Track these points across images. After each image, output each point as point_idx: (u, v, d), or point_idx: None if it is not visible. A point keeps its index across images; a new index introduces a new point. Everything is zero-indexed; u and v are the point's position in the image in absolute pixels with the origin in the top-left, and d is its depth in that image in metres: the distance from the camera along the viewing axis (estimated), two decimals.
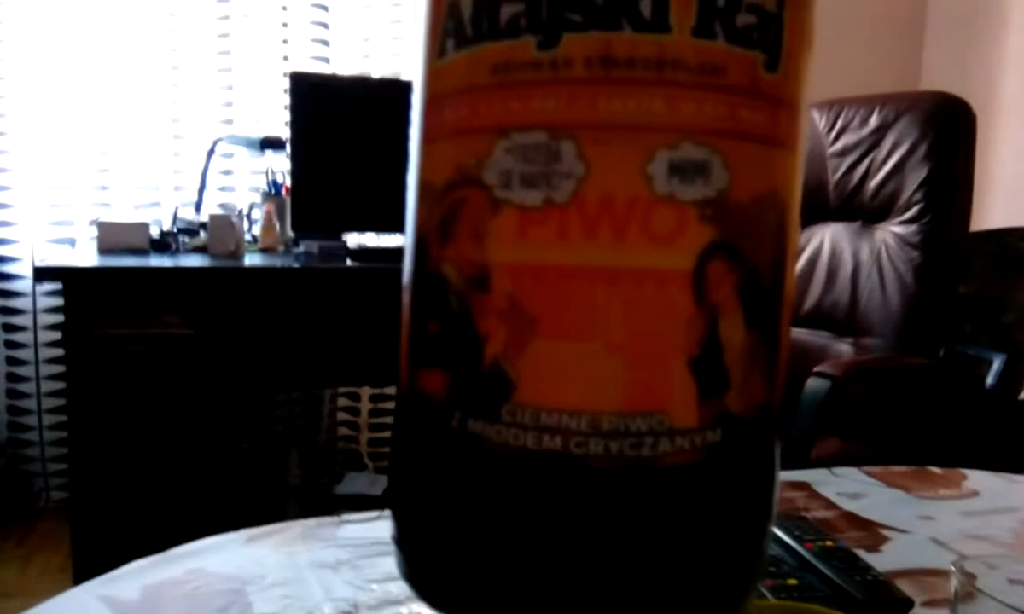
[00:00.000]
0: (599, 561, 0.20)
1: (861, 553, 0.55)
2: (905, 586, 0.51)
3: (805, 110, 0.21)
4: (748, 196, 0.20)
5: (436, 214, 0.21)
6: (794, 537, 0.55)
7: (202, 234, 1.94)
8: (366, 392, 2.46)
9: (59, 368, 2.16)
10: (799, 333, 1.70)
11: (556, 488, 0.20)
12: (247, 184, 2.30)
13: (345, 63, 2.34)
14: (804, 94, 0.21)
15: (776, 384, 0.22)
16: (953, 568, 0.43)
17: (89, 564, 1.60)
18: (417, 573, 0.24)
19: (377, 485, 2.35)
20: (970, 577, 0.43)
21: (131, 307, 1.64)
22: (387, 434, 2.50)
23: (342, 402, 2.46)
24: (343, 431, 2.48)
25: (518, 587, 0.21)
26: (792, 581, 0.51)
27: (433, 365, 0.22)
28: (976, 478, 0.75)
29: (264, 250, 1.97)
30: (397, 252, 1.97)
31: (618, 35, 0.18)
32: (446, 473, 0.22)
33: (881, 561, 0.56)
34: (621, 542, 0.20)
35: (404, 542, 0.24)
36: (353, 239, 2.04)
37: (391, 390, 2.47)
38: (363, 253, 1.93)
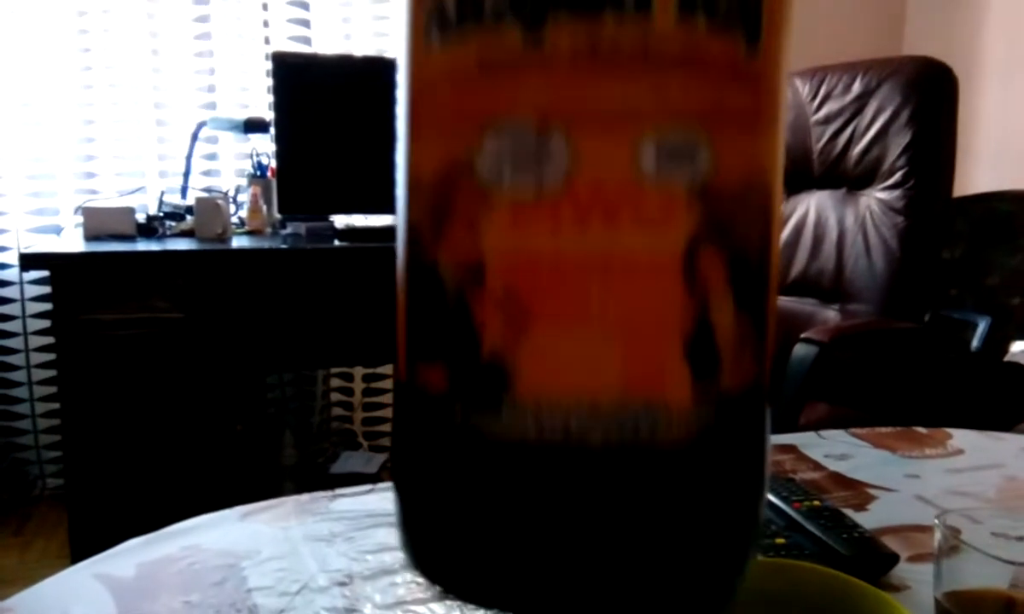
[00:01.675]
0: (601, 543, 0.21)
1: (848, 512, 0.56)
2: (891, 542, 0.52)
3: (785, 91, 0.22)
4: (734, 179, 0.20)
5: (427, 206, 0.21)
6: (782, 498, 0.56)
7: (188, 218, 1.93)
8: (359, 372, 2.46)
9: (50, 356, 2.15)
10: (786, 301, 1.71)
11: (558, 474, 0.20)
12: (232, 167, 2.28)
13: (327, 42, 2.31)
14: (784, 72, 0.21)
15: (765, 362, 0.22)
16: (937, 522, 0.43)
17: (87, 549, 1.60)
18: (425, 561, 0.24)
19: (372, 463, 2.36)
20: (954, 531, 0.43)
21: (119, 293, 1.63)
22: (381, 413, 2.51)
23: (335, 383, 2.47)
24: (337, 411, 2.49)
25: (525, 570, 0.21)
26: (780, 540, 0.52)
27: (432, 358, 0.22)
28: (961, 437, 0.76)
29: (251, 232, 1.96)
30: (385, 231, 1.97)
31: (602, 20, 0.18)
32: (450, 464, 0.22)
33: (868, 519, 0.56)
34: (621, 524, 0.21)
35: (411, 532, 0.24)
36: (341, 219, 2.03)
37: (384, 370, 2.48)
38: (351, 233, 1.92)
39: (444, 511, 0.23)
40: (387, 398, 2.51)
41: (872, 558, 0.50)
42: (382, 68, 2.00)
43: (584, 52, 0.18)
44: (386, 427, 2.53)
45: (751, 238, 0.21)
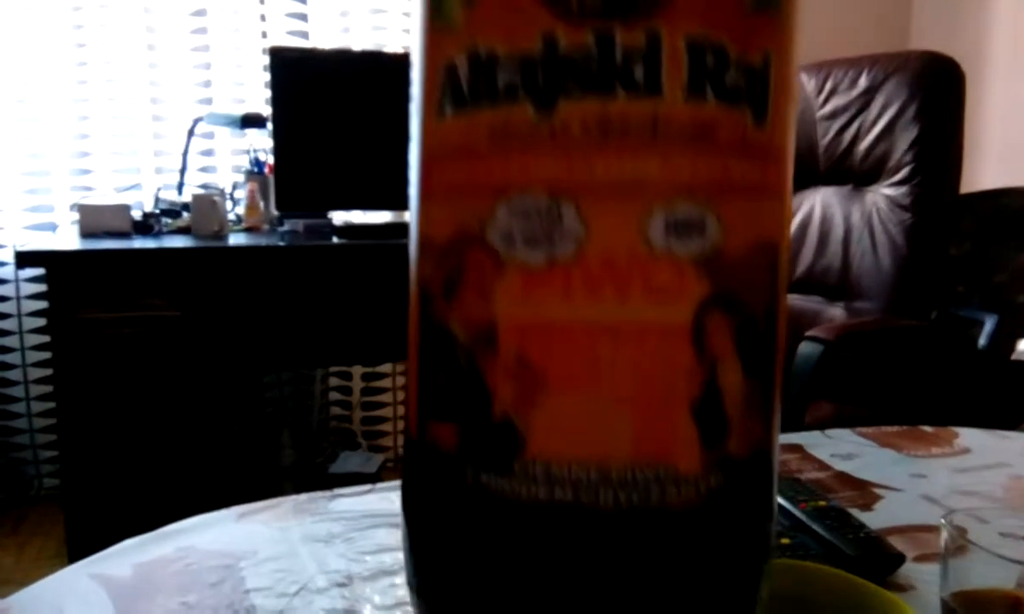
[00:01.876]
0: (610, 604, 0.21)
1: (854, 512, 0.55)
2: (897, 542, 0.52)
3: (791, 157, 0.22)
4: (742, 248, 0.20)
5: (440, 270, 0.22)
6: (788, 498, 0.56)
7: (185, 215, 1.92)
8: (358, 371, 2.46)
9: (46, 354, 2.14)
10: (791, 298, 1.70)
11: (568, 535, 0.21)
12: (229, 163, 2.28)
13: (324, 36, 2.31)
14: (790, 143, 0.22)
15: (772, 424, 0.23)
16: (943, 522, 0.43)
17: (84, 549, 1.60)
18: None
19: (371, 463, 2.35)
20: (961, 530, 0.43)
21: (116, 290, 1.62)
22: (380, 413, 2.51)
23: (334, 382, 2.46)
24: (336, 411, 2.48)
25: None
26: (786, 541, 0.51)
27: (443, 418, 0.22)
28: (968, 436, 0.75)
29: (248, 229, 1.95)
30: (384, 228, 1.96)
31: (613, 99, 0.19)
32: (462, 523, 0.22)
33: (874, 519, 0.56)
34: (630, 585, 0.21)
35: (422, 589, 0.25)
36: (339, 216, 2.02)
37: (383, 369, 2.47)
38: (349, 230, 1.91)
39: (454, 568, 0.23)
40: (386, 397, 2.50)
41: (878, 558, 0.49)
42: (380, 62, 1.99)
43: (595, 128, 0.19)
44: (385, 426, 2.52)
45: (758, 303, 0.21)
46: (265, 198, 1.98)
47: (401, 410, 2.52)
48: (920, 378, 1.53)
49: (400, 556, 0.51)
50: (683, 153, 0.19)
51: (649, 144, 0.19)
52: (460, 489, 0.22)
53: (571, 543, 0.21)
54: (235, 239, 1.82)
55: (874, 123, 1.59)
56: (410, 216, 0.23)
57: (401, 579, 0.48)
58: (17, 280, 2.14)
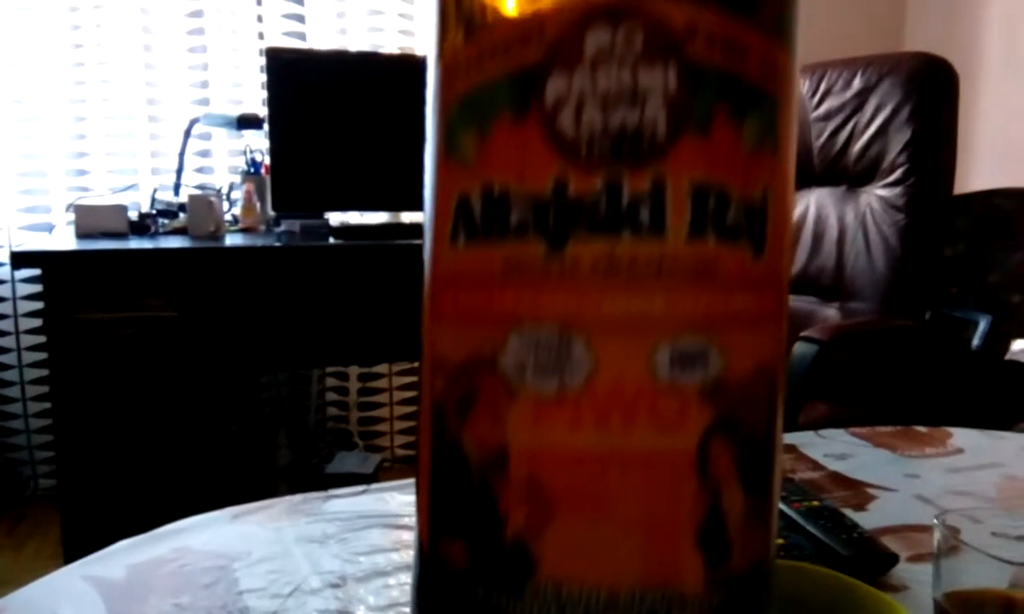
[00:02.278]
0: None
1: (847, 512, 0.55)
2: (891, 543, 0.52)
3: (787, 279, 0.23)
4: (743, 374, 0.21)
5: (452, 389, 0.22)
6: (782, 498, 0.56)
7: (181, 216, 1.92)
8: (354, 371, 2.46)
9: (42, 355, 2.14)
10: None
11: None
12: (225, 164, 2.27)
13: (321, 37, 2.30)
14: (787, 267, 0.23)
15: (770, 534, 0.24)
16: (936, 522, 0.43)
17: (80, 550, 1.60)
18: None
19: (368, 463, 2.35)
20: (953, 531, 0.43)
21: (112, 291, 1.62)
22: (377, 413, 2.50)
23: (331, 382, 2.46)
24: (332, 411, 2.48)
25: None
26: (779, 541, 0.51)
27: (455, 535, 0.23)
28: (961, 436, 0.76)
29: (245, 230, 1.95)
30: (380, 229, 1.96)
31: (620, 240, 0.20)
32: None
33: (867, 519, 0.56)
34: None
35: None
36: (335, 217, 2.02)
37: (380, 369, 2.47)
38: (346, 231, 1.91)
39: None
40: (383, 398, 2.50)
41: (871, 558, 0.49)
42: (377, 64, 1.99)
43: (603, 266, 0.20)
44: (382, 427, 2.52)
45: (759, 425, 0.22)
46: (261, 199, 1.98)
47: (398, 410, 2.52)
48: (914, 378, 1.53)
49: (394, 557, 0.51)
50: (686, 289, 0.20)
51: (654, 282, 0.20)
52: (471, 607, 0.22)
53: None
54: (231, 240, 1.82)
55: (868, 124, 1.59)
56: (423, 338, 0.24)
57: (395, 580, 0.48)
58: (13, 281, 2.14)
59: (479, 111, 0.21)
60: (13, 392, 2.18)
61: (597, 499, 0.21)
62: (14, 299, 2.14)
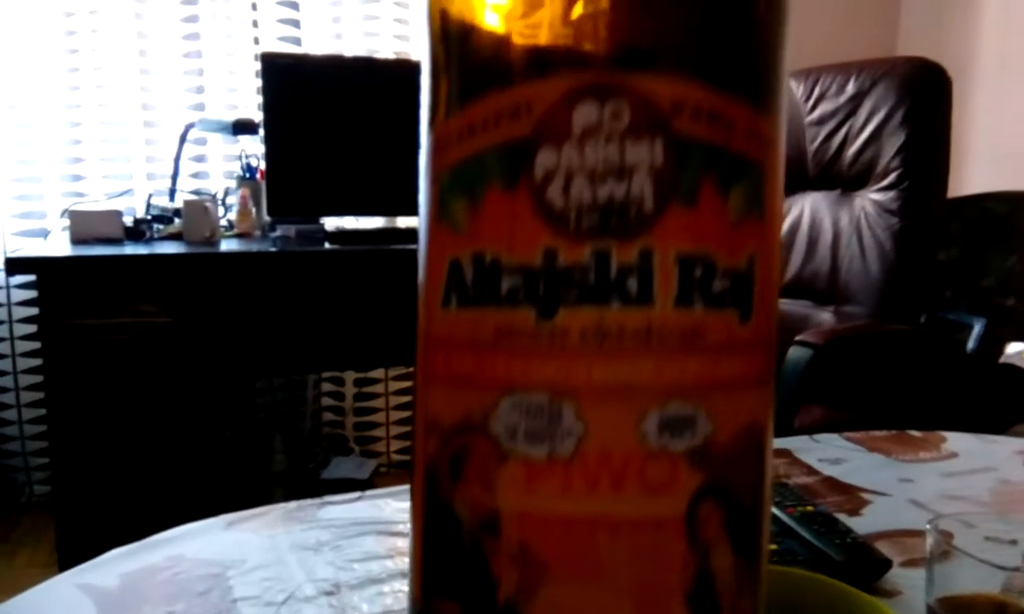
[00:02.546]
0: None
1: (842, 517, 0.55)
2: (884, 548, 0.52)
3: (775, 341, 0.24)
4: (730, 436, 0.22)
5: (444, 449, 0.23)
6: (776, 504, 0.56)
7: (176, 221, 1.92)
8: (350, 376, 2.46)
9: (37, 361, 2.13)
10: (781, 303, 1.70)
11: None
12: (221, 169, 2.27)
13: (316, 43, 2.31)
14: (774, 329, 0.23)
15: (758, 594, 0.24)
16: (928, 527, 0.43)
17: (74, 557, 1.59)
18: None
19: (364, 469, 2.35)
20: (946, 536, 0.43)
21: (107, 297, 1.62)
22: (372, 418, 2.50)
23: (326, 387, 2.46)
24: (328, 416, 2.48)
25: None
26: (773, 546, 0.51)
27: (447, 596, 0.23)
28: (955, 440, 0.76)
29: (240, 235, 1.95)
30: (376, 234, 1.96)
31: (609, 309, 0.20)
32: None
33: (861, 524, 0.56)
34: None
35: None
36: (331, 222, 2.02)
37: (376, 374, 2.47)
38: (341, 236, 1.91)
39: None
40: (379, 403, 2.50)
41: (865, 564, 0.49)
42: (372, 69, 1.99)
43: (592, 335, 0.20)
44: (378, 432, 2.52)
45: (747, 486, 0.22)
46: (257, 204, 1.98)
47: (394, 416, 2.51)
48: (909, 382, 1.54)
49: (388, 564, 0.51)
50: (674, 357, 0.20)
51: (643, 350, 0.20)
52: None
53: None
54: (227, 245, 1.82)
55: (862, 128, 1.60)
56: (415, 397, 0.25)
57: (389, 587, 0.48)
58: (8, 287, 2.13)
59: (470, 181, 0.21)
60: (8, 398, 2.18)
61: (588, 563, 0.21)
62: (9, 305, 2.14)
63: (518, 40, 0.20)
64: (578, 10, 0.20)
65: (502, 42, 0.21)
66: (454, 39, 0.22)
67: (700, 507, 0.21)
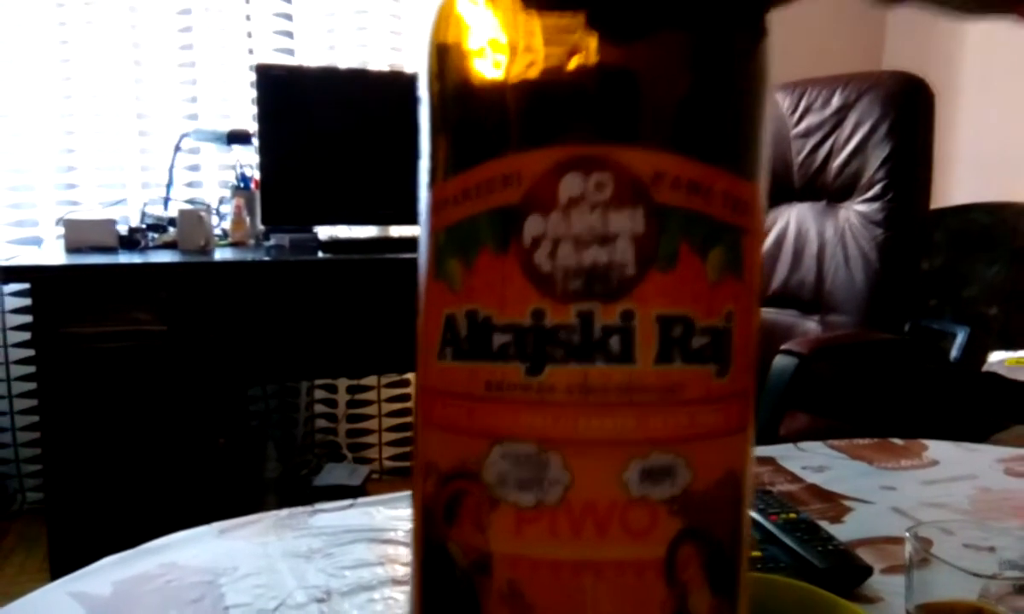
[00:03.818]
0: None
1: (824, 524, 0.56)
2: (866, 555, 0.53)
3: (752, 390, 0.25)
4: (709, 483, 0.23)
5: (441, 495, 0.24)
6: (759, 511, 0.57)
7: (171, 230, 1.92)
8: (343, 384, 2.46)
9: (30, 369, 2.13)
10: (767, 312, 1.72)
11: None
12: (215, 179, 2.28)
13: (310, 54, 2.32)
14: (751, 381, 0.25)
15: None
16: (907, 535, 0.44)
17: (67, 564, 1.59)
18: None
19: (356, 475, 2.35)
20: (924, 543, 0.44)
21: (101, 305, 1.62)
22: (365, 425, 2.50)
23: (319, 394, 2.46)
24: (321, 423, 2.48)
25: None
26: (756, 553, 0.52)
27: None
28: (936, 448, 0.77)
29: (234, 244, 1.96)
30: (369, 243, 1.97)
31: (593, 366, 0.21)
32: None
33: (843, 531, 0.57)
34: None
35: None
36: (324, 231, 2.03)
37: (368, 381, 2.47)
38: (335, 245, 1.92)
39: None
40: (371, 410, 2.50)
41: (846, 571, 0.50)
42: (365, 80, 2.00)
43: (577, 390, 0.22)
44: (370, 439, 2.52)
45: (725, 530, 0.24)
46: (251, 213, 1.99)
47: (386, 422, 2.52)
48: (893, 390, 1.55)
49: (379, 571, 0.52)
50: (655, 411, 0.22)
51: (625, 404, 0.22)
52: None
53: None
54: (221, 254, 1.83)
55: (847, 141, 1.61)
56: (413, 442, 0.26)
57: (379, 594, 0.49)
58: (1, 295, 2.13)
59: (464, 242, 0.23)
60: (1, 405, 2.17)
61: (573, 603, 0.22)
62: (2, 313, 2.14)
63: (510, 112, 0.22)
64: (565, 86, 0.21)
65: (495, 113, 0.22)
66: (450, 106, 0.23)
67: (679, 551, 0.22)
